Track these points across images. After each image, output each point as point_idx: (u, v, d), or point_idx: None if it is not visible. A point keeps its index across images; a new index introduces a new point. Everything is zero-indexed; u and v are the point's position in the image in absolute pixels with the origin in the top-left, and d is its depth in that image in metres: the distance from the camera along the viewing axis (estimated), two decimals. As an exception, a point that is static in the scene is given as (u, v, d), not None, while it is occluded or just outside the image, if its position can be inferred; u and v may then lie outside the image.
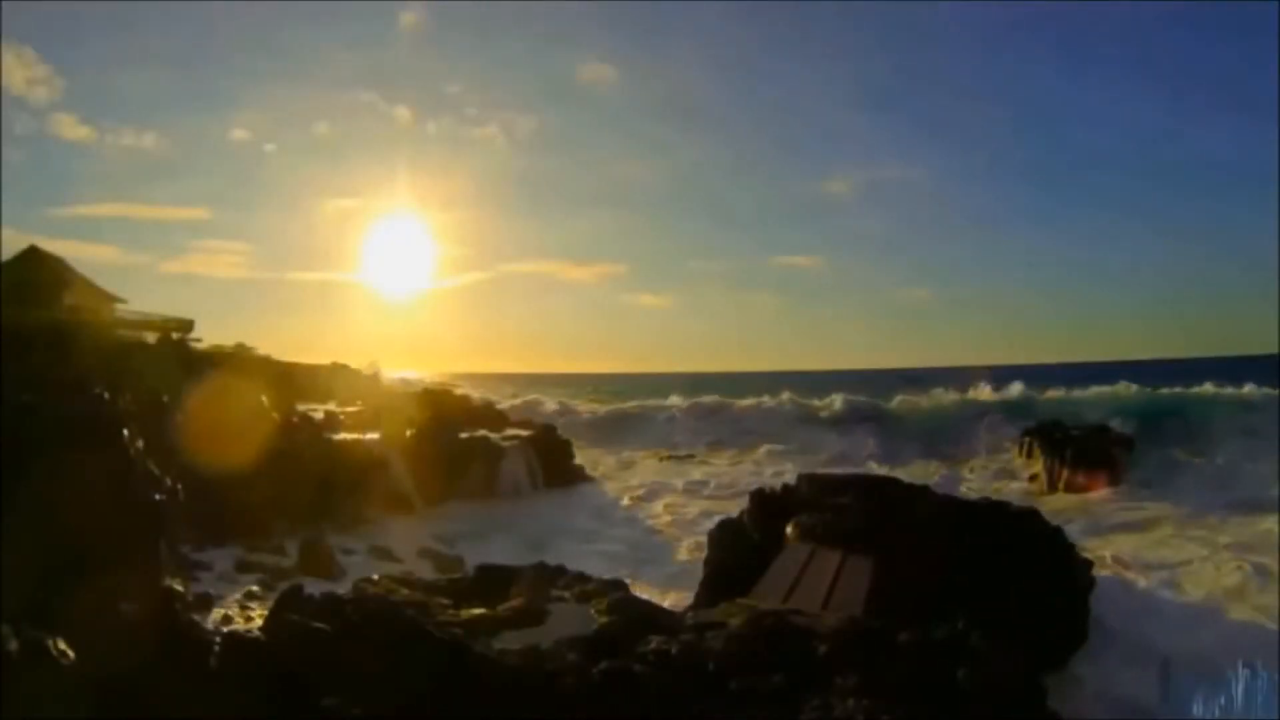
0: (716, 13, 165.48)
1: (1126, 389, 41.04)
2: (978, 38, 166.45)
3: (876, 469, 30.86)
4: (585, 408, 53.09)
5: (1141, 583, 16.45)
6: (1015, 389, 43.81)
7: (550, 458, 32.30)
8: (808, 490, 15.44)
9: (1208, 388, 38.44)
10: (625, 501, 28.96)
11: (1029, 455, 32.26)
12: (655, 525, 24.81)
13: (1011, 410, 40.29)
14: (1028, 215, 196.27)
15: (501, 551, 17.97)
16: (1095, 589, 13.42)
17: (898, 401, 44.36)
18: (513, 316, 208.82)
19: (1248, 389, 37.64)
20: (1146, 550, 19.20)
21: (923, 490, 15.41)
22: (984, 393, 43.07)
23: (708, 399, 49.28)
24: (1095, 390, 40.88)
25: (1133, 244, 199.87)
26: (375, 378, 54.25)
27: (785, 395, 47.42)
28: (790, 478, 17.15)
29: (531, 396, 55.20)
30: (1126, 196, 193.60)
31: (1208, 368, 39.81)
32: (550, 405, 51.92)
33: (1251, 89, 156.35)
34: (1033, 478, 31.17)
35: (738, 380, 52.30)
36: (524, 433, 33.59)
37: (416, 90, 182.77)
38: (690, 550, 20.06)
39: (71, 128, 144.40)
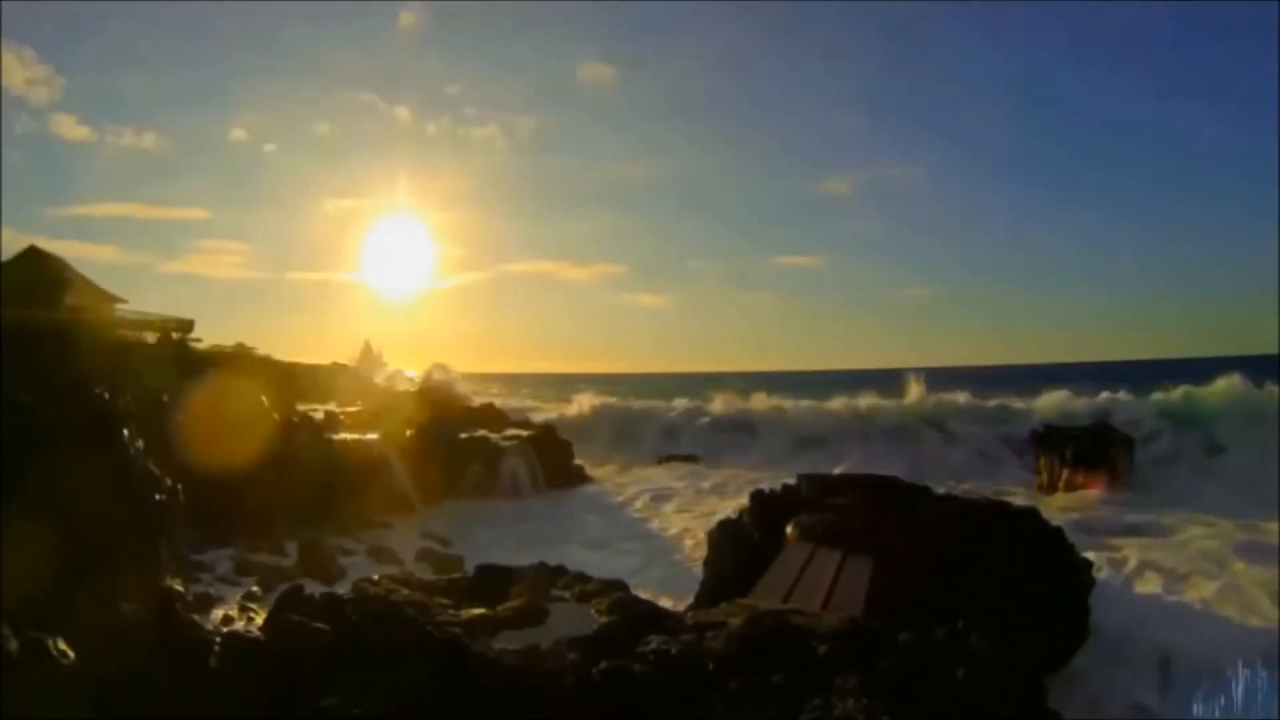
0: (716, 13, 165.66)
1: (1125, 391, 40.92)
2: (978, 37, 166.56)
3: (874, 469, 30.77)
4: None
5: (1141, 582, 16.44)
6: (1015, 389, 43.68)
7: (550, 458, 32.27)
8: (808, 490, 15.43)
9: (1210, 387, 38.31)
10: (621, 499, 28.98)
11: (1034, 457, 32.19)
12: (656, 525, 24.79)
13: (1012, 410, 40.22)
14: (1028, 215, 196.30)
15: (501, 552, 17.95)
16: (1095, 589, 13.39)
17: (896, 401, 44.19)
18: (512, 316, 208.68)
19: (1248, 388, 37.57)
20: (1147, 550, 19.18)
21: (923, 490, 15.39)
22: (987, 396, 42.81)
23: (706, 401, 48.92)
24: (1097, 392, 40.69)
25: (1133, 244, 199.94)
26: (379, 371, 53.85)
27: (783, 395, 47.26)
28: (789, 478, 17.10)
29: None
30: (1127, 196, 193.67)
31: (1208, 367, 39.62)
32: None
33: (1251, 89, 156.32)
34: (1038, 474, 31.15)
35: (736, 381, 51.90)
36: (524, 433, 33.57)
37: (416, 90, 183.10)
38: (691, 550, 20.05)
39: (71, 128, 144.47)
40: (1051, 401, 40.33)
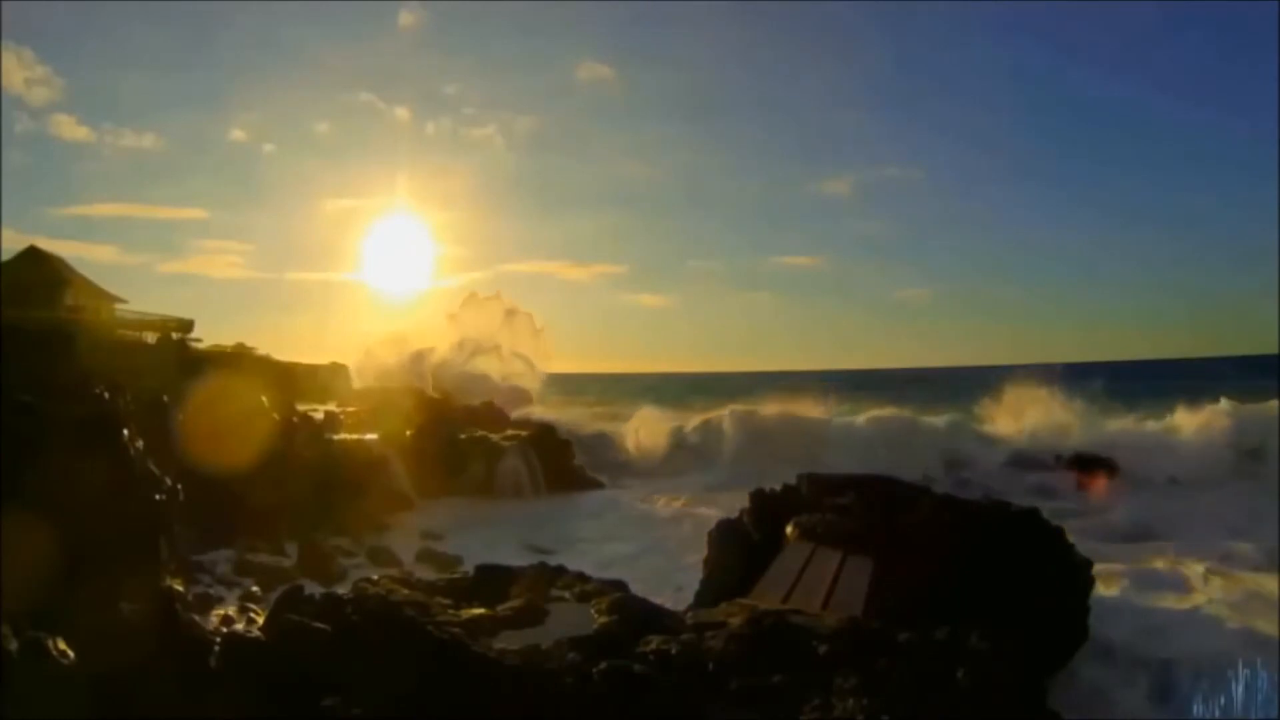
0: (716, 12, 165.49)
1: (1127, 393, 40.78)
2: (978, 37, 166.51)
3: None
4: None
5: (1141, 584, 16.41)
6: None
7: (551, 458, 32.11)
8: (808, 490, 15.40)
9: (1211, 398, 38.13)
10: (625, 499, 28.93)
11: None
12: (656, 526, 24.75)
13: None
14: (1028, 215, 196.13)
15: (500, 552, 17.93)
16: (1094, 590, 13.38)
17: (896, 402, 43.99)
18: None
19: (1247, 389, 37.48)
20: (1147, 552, 19.17)
21: (923, 490, 15.38)
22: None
23: (707, 401, 48.52)
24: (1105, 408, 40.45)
25: (1133, 243, 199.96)
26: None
27: (783, 398, 46.88)
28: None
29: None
30: (1128, 196, 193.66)
31: (1208, 368, 39.53)
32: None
33: (1251, 89, 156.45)
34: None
35: (735, 381, 51.60)
36: (523, 433, 33.46)
37: (416, 90, 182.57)
38: (690, 550, 20.01)
39: (71, 128, 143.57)
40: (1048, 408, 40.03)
